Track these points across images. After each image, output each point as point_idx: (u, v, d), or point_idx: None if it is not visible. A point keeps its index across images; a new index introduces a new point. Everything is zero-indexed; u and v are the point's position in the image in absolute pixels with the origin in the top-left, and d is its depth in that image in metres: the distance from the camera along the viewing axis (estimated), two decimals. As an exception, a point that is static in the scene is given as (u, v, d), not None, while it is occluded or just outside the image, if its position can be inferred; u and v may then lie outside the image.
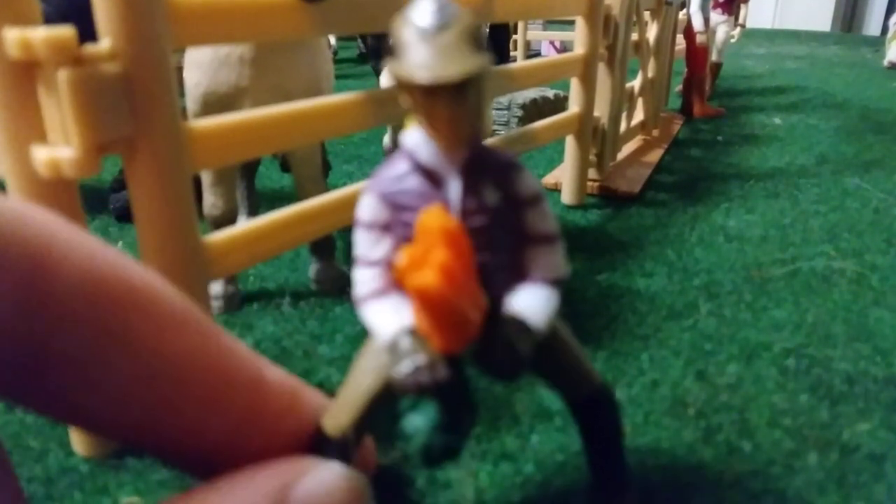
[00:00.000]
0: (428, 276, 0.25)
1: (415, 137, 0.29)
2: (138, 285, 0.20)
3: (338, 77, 0.87)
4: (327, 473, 0.20)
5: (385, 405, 0.31)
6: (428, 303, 0.26)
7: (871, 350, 0.78)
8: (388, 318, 0.29)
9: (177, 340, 0.20)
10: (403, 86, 0.26)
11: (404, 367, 0.27)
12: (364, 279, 0.31)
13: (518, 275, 0.31)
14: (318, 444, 0.26)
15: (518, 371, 0.29)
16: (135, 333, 0.19)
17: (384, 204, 0.30)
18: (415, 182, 0.30)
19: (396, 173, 0.30)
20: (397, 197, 0.30)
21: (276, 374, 0.24)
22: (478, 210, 0.29)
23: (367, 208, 0.31)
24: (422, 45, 0.25)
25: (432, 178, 0.29)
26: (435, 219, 0.26)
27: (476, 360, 0.30)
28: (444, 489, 0.55)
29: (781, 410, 0.66)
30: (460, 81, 0.25)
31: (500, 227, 0.30)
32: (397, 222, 0.30)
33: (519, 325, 0.29)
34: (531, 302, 0.31)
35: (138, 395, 0.20)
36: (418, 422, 0.31)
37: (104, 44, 0.45)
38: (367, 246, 0.31)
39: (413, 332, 0.28)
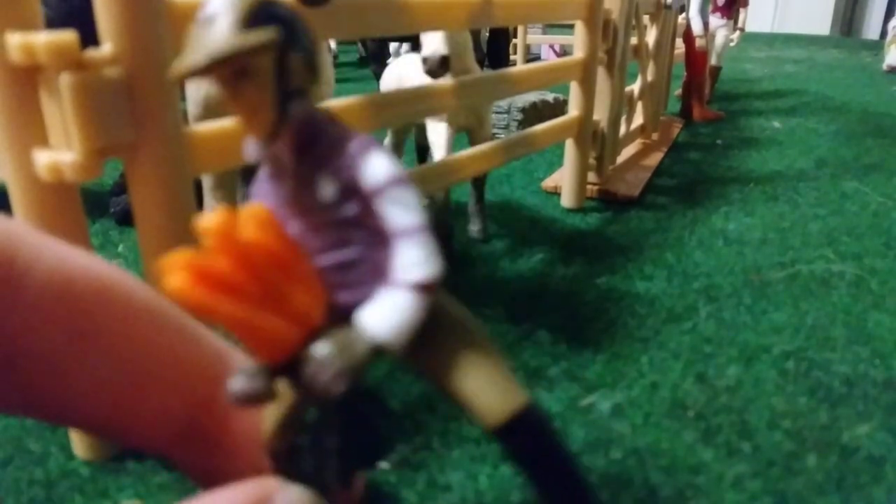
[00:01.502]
0: (172, 278, 0.22)
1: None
2: (108, 285, 0.21)
3: (338, 81, 0.87)
4: (291, 498, 0.21)
5: (296, 417, 0.27)
6: (185, 307, 0.22)
7: (870, 353, 0.78)
8: None
9: (146, 334, 0.21)
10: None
11: (233, 379, 0.24)
12: None
13: (379, 279, 0.27)
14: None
15: (332, 388, 0.25)
16: (105, 330, 0.20)
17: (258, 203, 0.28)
18: (266, 181, 0.27)
19: (260, 174, 0.28)
20: (259, 199, 0.28)
21: (242, 359, 0.25)
22: (315, 205, 0.26)
23: None
24: (193, 34, 0.23)
25: (271, 175, 0.27)
26: (209, 218, 0.23)
27: (291, 373, 0.25)
28: (443, 492, 0.55)
29: (781, 412, 0.67)
30: (236, 63, 0.23)
31: (345, 223, 0.26)
32: None
33: (338, 339, 0.25)
34: (373, 309, 0.26)
35: (108, 386, 0.20)
36: (309, 442, 0.28)
37: (106, 48, 0.46)
38: None
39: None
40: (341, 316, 0.26)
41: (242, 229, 0.23)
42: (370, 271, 0.27)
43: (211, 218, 0.22)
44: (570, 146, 1.26)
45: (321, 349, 0.24)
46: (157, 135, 0.49)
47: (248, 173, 1.02)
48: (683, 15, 2.18)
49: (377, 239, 0.26)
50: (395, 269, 0.26)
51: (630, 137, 1.64)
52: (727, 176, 1.58)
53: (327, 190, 0.25)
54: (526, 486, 0.55)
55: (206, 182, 0.80)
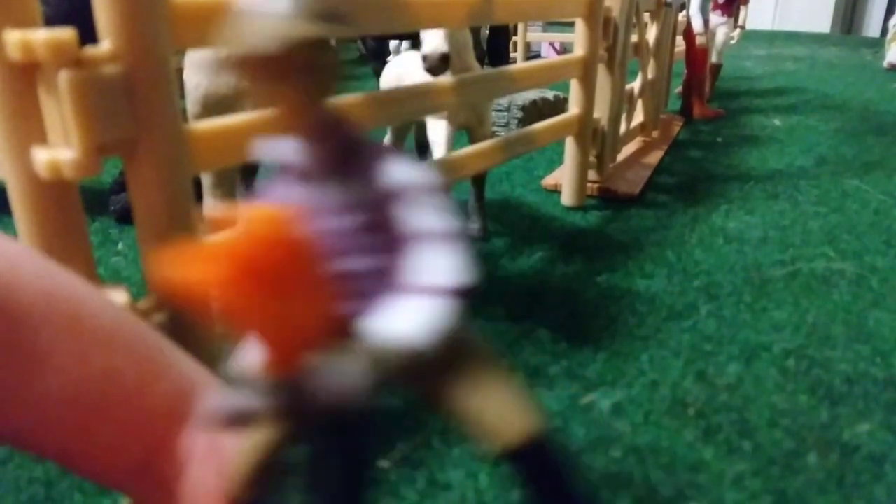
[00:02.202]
0: (206, 270, 0.21)
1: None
2: (63, 300, 0.19)
3: (338, 79, 0.87)
4: None
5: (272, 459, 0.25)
6: (220, 303, 0.22)
7: (870, 351, 0.78)
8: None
9: (99, 360, 0.19)
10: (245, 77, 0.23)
11: (219, 396, 0.23)
12: None
13: (391, 287, 0.26)
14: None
15: (343, 399, 0.23)
16: (54, 347, 0.18)
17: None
18: (286, 184, 0.26)
19: (278, 177, 0.27)
20: (278, 198, 0.27)
21: (211, 395, 0.22)
22: (340, 208, 0.25)
23: None
24: (236, 26, 0.22)
25: (298, 176, 0.26)
26: (249, 212, 0.22)
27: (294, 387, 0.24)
28: (444, 490, 0.55)
29: (781, 411, 0.66)
30: (281, 60, 0.22)
31: (369, 229, 0.25)
32: None
33: (350, 350, 0.24)
34: (396, 314, 0.24)
35: (57, 416, 0.19)
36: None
37: (105, 46, 0.45)
38: None
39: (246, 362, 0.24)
40: (344, 325, 0.25)
41: (284, 225, 0.22)
42: (389, 282, 0.25)
43: (260, 209, 0.22)
44: (570, 144, 1.26)
45: (337, 357, 0.23)
46: (157, 132, 0.49)
47: (247, 171, 1.02)
48: (684, 13, 2.18)
49: (395, 249, 0.25)
50: (418, 273, 0.25)
51: (630, 135, 1.63)
52: (727, 174, 1.57)
53: (355, 194, 0.25)
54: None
55: (206, 180, 0.80)
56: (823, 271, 1.01)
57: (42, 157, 0.45)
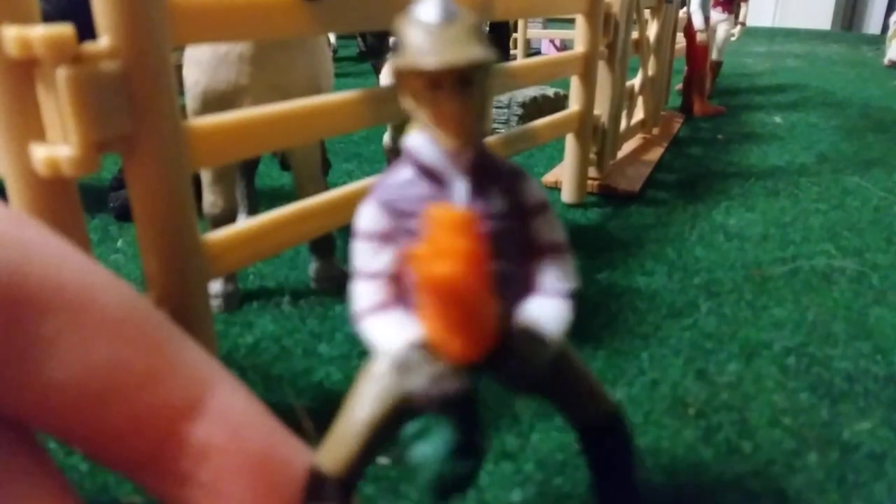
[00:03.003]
0: (450, 265, 0.23)
1: (417, 139, 0.28)
2: (70, 284, 0.18)
3: (337, 75, 0.87)
4: None
5: (388, 436, 0.29)
6: (449, 296, 0.24)
7: (871, 349, 0.78)
8: (392, 333, 0.27)
9: (105, 348, 0.19)
10: (407, 81, 0.26)
11: (419, 380, 0.25)
12: (364, 293, 0.28)
13: (525, 287, 0.30)
14: (313, 484, 0.23)
15: (534, 381, 0.28)
16: (59, 334, 0.18)
17: (385, 211, 0.28)
18: (418, 187, 0.28)
19: (399, 179, 0.28)
20: (399, 203, 0.28)
21: (221, 403, 0.22)
22: (485, 215, 0.27)
23: (367, 217, 0.29)
24: (427, 37, 0.25)
25: (437, 182, 0.28)
26: (449, 212, 0.24)
27: (491, 369, 0.27)
28: (443, 488, 0.55)
29: (782, 409, 0.66)
30: (467, 71, 0.25)
31: (506, 235, 0.28)
32: (399, 231, 0.28)
33: (532, 337, 0.28)
34: (544, 312, 0.29)
35: (56, 399, 0.18)
36: (427, 450, 0.29)
37: (103, 42, 0.45)
38: (367, 257, 0.28)
39: (422, 346, 0.26)
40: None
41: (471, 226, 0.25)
42: (515, 284, 0.29)
43: (450, 210, 0.24)
44: (570, 141, 1.26)
45: (524, 346, 0.28)
46: (156, 129, 0.49)
47: (247, 168, 1.02)
48: (684, 9, 2.17)
49: (523, 256, 0.30)
50: (549, 279, 0.30)
51: (631, 132, 1.63)
52: (728, 171, 1.57)
53: (497, 204, 0.28)
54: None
55: (205, 177, 0.80)
56: (824, 268, 1.01)
57: (40, 154, 0.45)
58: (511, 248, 0.29)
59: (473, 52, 0.24)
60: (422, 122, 0.27)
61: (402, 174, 0.28)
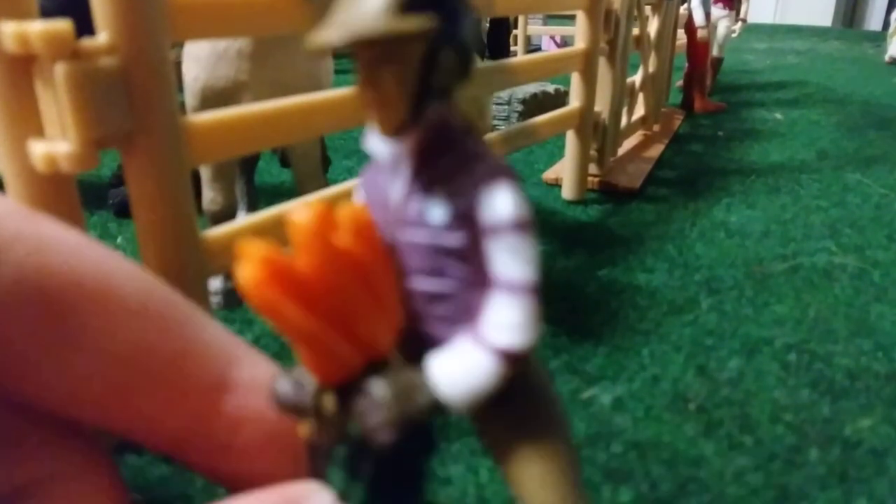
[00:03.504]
0: (245, 269, 0.19)
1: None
2: (89, 277, 0.19)
3: (337, 72, 0.87)
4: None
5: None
6: (256, 305, 0.20)
7: (872, 345, 0.78)
8: None
9: (130, 336, 0.19)
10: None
11: (281, 382, 0.22)
12: None
13: (470, 319, 0.23)
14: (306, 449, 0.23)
15: (380, 434, 0.22)
16: (85, 328, 0.18)
17: (363, 195, 0.26)
18: (380, 175, 0.25)
19: (376, 164, 0.25)
20: (366, 188, 0.26)
21: (248, 376, 0.22)
22: (418, 222, 0.23)
23: (354, 197, 0.26)
24: (337, 3, 0.21)
25: (391, 174, 0.24)
26: (299, 210, 0.20)
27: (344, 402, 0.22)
28: (444, 486, 0.55)
29: (783, 406, 0.66)
30: (378, 47, 0.21)
31: (445, 252, 0.23)
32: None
33: (403, 383, 0.22)
34: (448, 363, 0.23)
35: (89, 391, 0.19)
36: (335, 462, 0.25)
37: (102, 37, 0.45)
38: None
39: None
40: (413, 345, 0.24)
41: (338, 232, 0.21)
42: (459, 311, 0.24)
43: (306, 211, 0.20)
44: (570, 138, 1.26)
45: (378, 389, 0.22)
46: (154, 125, 0.49)
47: (246, 165, 1.01)
48: (685, 6, 2.17)
49: (476, 279, 0.23)
50: (485, 322, 0.23)
51: (631, 129, 1.63)
52: (729, 168, 1.57)
53: (437, 212, 0.22)
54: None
55: (205, 174, 0.80)
56: (825, 265, 1.01)
57: (39, 150, 0.45)
58: (452, 267, 0.23)
59: (367, 23, 0.20)
60: None
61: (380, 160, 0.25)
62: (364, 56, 0.21)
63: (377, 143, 0.24)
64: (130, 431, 0.21)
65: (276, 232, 0.62)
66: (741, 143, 1.83)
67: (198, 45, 0.73)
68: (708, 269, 0.99)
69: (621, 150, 1.53)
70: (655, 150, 1.64)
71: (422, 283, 0.24)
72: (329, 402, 0.22)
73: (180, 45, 0.78)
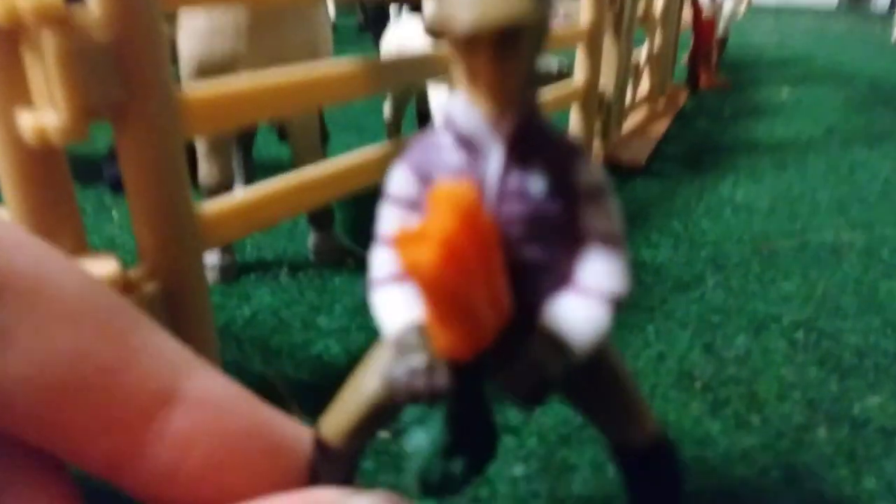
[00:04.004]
0: (425, 252, 0.20)
1: (457, 102, 0.25)
2: (21, 273, 0.18)
3: (337, 51, 0.85)
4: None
5: (392, 412, 0.27)
6: (424, 286, 0.21)
7: (881, 323, 0.77)
8: (397, 309, 0.25)
9: (65, 337, 0.18)
10: (444, 36, 0.22)
11: (398, 369, 0.23)
12: (381, 261, 0.26)
13: (566, 282, 0.26)
14: (314, 450, 0.23)
15: (540, 396, 0.24)
16: (17, 331, 0.18)
17: (415, 177, 0.26)
18: (452, 154, 0.25)
19: (434, 143, 0.26)
20: (429, 170, 0.25)
21: (200, 388, 0.20)
22: (519, 194, 0.24)
23: (396, 180, 0.26)
24: None
25: (473, 151, 0.25)
26: (449, 190, 0.21)
27: (492, 375, 0.24)
28: (445, 463, 0.54)
29: (790, 384, 0.65)
30: (507, 31, 0.21)
31: (546, 220, 0.25)
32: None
33: (551, 342, 0.24)
34: (574, 315, 0.25)
35: (21, 395, 0.18)
36: (421, 439, 0.27)
37: (92, 6, 0.44)
38: (391, 223, 0.26)
39: (423, 329, 0.24)
40: (517, 315, 0.25)
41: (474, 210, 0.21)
42: (554, 276, 0.25)
43: (453, 189, 0.21)
44: (575, 113, 1.24)
45: (534, 351, 0.24)
46: (147, 96, 0.47)
47: (243, 138, 1.00)
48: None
49: (569, 245, 0.25)
50: (591, 275, 0.25)
51: (636, 105, 1.61)
52: (735, 144, 1.55)
53: (538, 182, 0.24)
54: (535, 481, 0.54)
55: (201, 147, 0.78)
56: (833, 242, 0.99)
57: (28, 122, 0.43)
58: (551, 234, 0.25)
59: (514, 9, 0.20)
60: (460, 82, 0.24)
61: (439, 139, 0.26)
62: (493, 39, 0.22)
63: (470, 122, 0.24)
64: (66, 448, 0.19)
65: (273, 207, 0.61)
66: (747, 119, 1.81)
67: (194, 19, 0.71)
68: (714, 245, 0.97)
69: (626, 126, 1.51)
70: (660, 126, 1.62)
71: (524, 252, 0.25)
72: (443, 377, 0.23)
73: (174, 22, 0.76)
